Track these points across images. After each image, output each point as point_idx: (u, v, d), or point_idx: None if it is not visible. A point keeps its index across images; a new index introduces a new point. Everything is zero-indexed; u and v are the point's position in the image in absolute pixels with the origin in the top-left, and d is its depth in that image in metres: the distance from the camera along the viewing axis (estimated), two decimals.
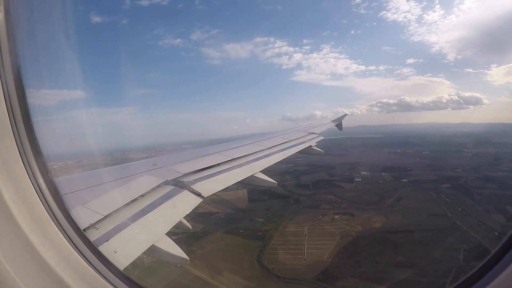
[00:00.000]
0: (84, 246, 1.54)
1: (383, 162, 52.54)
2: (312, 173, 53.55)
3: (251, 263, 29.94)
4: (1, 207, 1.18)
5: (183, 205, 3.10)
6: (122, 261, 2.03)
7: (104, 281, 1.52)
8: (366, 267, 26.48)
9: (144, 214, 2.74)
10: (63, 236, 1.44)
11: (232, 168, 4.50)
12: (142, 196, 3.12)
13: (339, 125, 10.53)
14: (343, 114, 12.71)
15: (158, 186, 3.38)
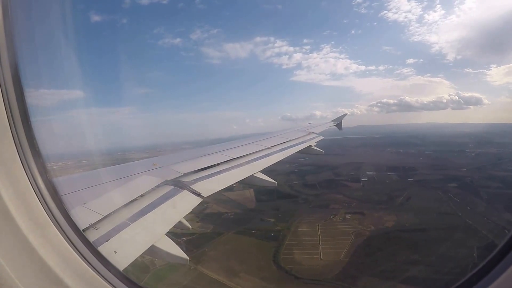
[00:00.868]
0: (84, 246, 1.53)
1: (387, 162, 53.51)
2: (317, 172, 53.89)
3: (267, 264, 29.75)
4: (0, 207, 1.17)
5: (183, 205, 3.09)
6: (122, 261, 2.01)
7: (103, 281, 1.50)
8: (384, 266, 26.81)
9: (143, 214, 2.71)
10: (62, 237, 1.43)
11: (232, 168, 4.49)
12: (142, 196, 3.11)
13: (339, 125, 10.53)
14: (342, 114, 12.78)
15: (158, 186, 3.37)
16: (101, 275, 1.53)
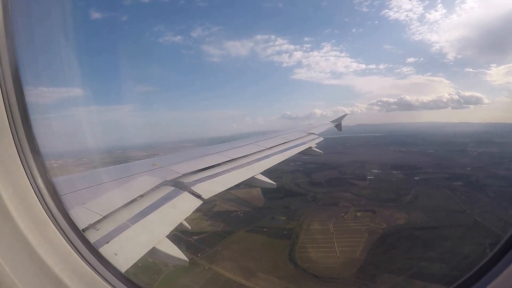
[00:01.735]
0: (83, 246, 1.53)
1: (391, 160, 54.49)
2: (322, 170, 54.19)
3: (284, 263, 29.64)
4: None
5: (183, 207, 3.08)
6: (123, 263, 2.01)
7: (103, 281, 1.51)
8: (401, 263, 27.27)
9: (144, 216, 2.72)
10: (61, 237, 1.43)
11: (232, 169, 4.49)
12: (141, 196, 3.11)
13: (338, 126, 10.54)
14: (343, 113, 13.15)
15: (157, 187, 3.37)
16: (100, 275, 1.53)
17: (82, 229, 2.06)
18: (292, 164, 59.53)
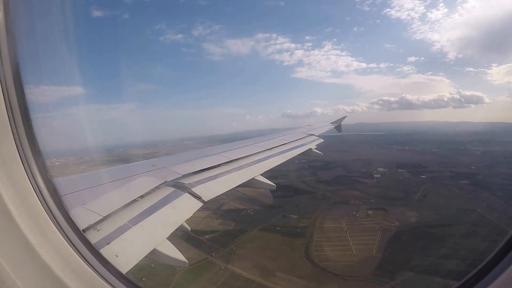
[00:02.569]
0: (83, 246, 1.54)
1: (395, 159, 55.39)
2: (328, 169, 54.46)
3: (301, 262, 29.52)
4: (0, 207, 1.19)
5: (184, 209, 3.10)
6: (124, 265, 2.00)
7: (103, 281, 1.51)
8: (418, 261, 27.66)
9: (144, 217, 2.72)
10: (62, 237, 1.44)
11: (232, 170, 4.50)
12: (141, 197, 3.13)
13: (338, 127, 10.60)
14: (343, 111, 13.56)
15: (158, 188, 3.38)
16: (100, 275, 1.53)
17: (83, 230, 2.13)
18: (296, 162, 59.44)
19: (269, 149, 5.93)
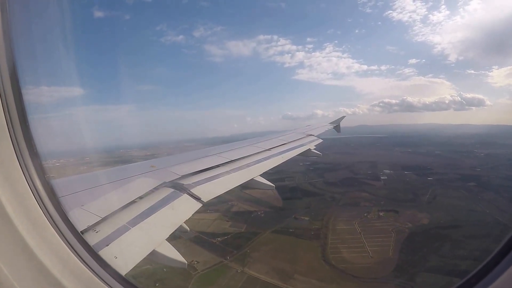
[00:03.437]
0: (81, 248, 1.54)
1: (400, 161, 56.19)
2: (334, 170, 54.71)
3: (319, 264, 29.33)
4: None
5: (183, 209, 3.11)
6: (124, 266, 2.01)
7: (101, 282, 1.52)
8: (435, 262, 27.93)
9: (143, 218, 2.73)
10: (60, 238, 1.44)
11: (231, 171, 4.51)
12: (140, 198, 3.15)
13: (337, 127, 10.64)
14: (344, 113, 13.36)
15: (156, 189, 3.40)
16: (99, 276, 1.52)
17: (82, 231, 2.11)
18: (301, 164, 59.59)
19: (268, 149, 5.92)
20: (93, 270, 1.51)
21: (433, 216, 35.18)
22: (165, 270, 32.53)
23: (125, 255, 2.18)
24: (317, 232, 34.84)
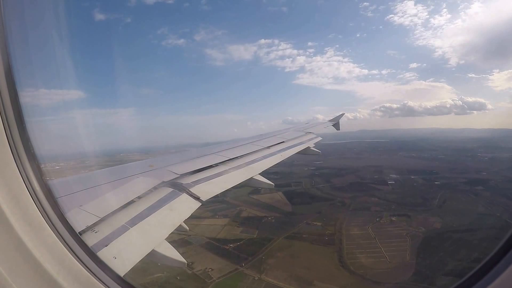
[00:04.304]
0: (79, 248, 1.54)
1: (405, 166, 56.73)
2: (340, 175, 54.86)
3: (337, 270, 28.97)
4: None
5: (182, 209, 3.12)
6: (122, 267, 2.02)
7: (99, 283, 1.53)
8: (453, 265, 27.96)
9: (142, 218, 2.72)
10: (57, 239, 1.45)
11: (230, 169, 4.49)
12: (139, 197, 3.15)
13: (336, 125, 10.43)
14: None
15: (155, 188, 3.40)
16: (97, 277, 1.52)
17: (80, 231, 2.11)
18: (306, 169, 59.67)
19: (267, 147, 5.85)
20: (91, 271, 1.51)
21: (445, 220, 35.43)
22: (178, 278, 31.83)
23: (124, 255, 2.16)
24: (331, 238, 34.59)
